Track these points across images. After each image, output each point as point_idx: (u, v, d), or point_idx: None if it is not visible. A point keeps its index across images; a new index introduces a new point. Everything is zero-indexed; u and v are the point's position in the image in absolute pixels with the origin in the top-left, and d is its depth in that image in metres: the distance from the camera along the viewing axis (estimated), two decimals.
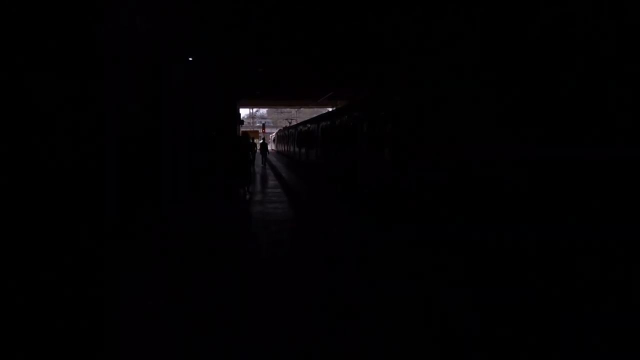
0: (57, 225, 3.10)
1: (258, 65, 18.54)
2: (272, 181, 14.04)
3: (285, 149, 31.07)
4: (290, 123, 41.78)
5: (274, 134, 61.99)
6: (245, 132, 12.25)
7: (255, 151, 23.87)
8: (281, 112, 67.39)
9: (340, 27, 12.23)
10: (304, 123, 21.53)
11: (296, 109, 52.14)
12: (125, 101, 6.52)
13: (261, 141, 24.56)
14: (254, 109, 68.66)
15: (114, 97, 6.09)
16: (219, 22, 11.64)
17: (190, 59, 15.76)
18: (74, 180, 3.52)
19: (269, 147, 62.51)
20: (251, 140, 12.68)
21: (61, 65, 4.31)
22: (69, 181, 3.48)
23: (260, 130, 60.69)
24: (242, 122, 41.12)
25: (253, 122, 71.90)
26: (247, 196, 10.41)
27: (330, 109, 34.71)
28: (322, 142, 14.86)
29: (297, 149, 23.25)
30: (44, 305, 2.88)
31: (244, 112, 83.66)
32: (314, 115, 21.14)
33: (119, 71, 6.24)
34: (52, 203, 3.21)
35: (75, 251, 3.13)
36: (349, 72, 19.88)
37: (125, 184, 5.93)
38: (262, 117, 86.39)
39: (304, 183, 13.63)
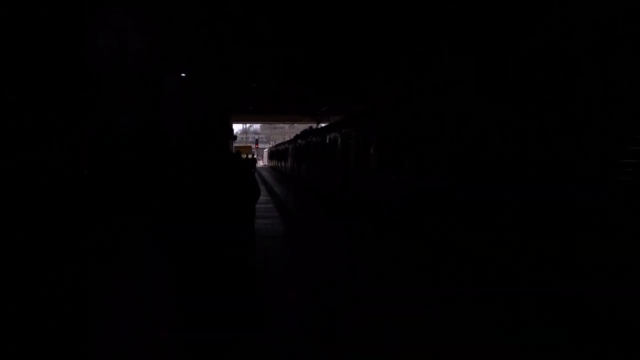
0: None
1: (252, 80, 18.73)
2: (263, 196, 14.14)
3: (277, 164, 31.91)
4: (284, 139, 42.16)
5: (266, 150, 62.12)
6: (237, 149, 12.56)
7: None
8: (275, 128, 67.78)
9: (334, 45, 12.47)
10: (290, 141, 23.67)
11: (289, 125, 52.41)
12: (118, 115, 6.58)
13: (250, 156, 25.62)
14: (248, 125, 68.98)
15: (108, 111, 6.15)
16: (212, 36, 11.80)
17: (183, 74, 15.90)
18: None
19: (261, 163, 62.88)
20: (244, 156, 13.11)
21: (55, 81, 4.38)
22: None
23: (254, 146, 60.87)
24: (235, 137, 41.23)
25: (246, 138, 72.11)
26: None
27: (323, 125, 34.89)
28: (304, 156, 16.94)
29: (285, 164, 24.09)
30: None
31: (237, 127, 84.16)
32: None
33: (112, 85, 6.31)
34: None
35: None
36: (342, 88, 20.12)
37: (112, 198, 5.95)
38: (255, 133, 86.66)
39: (288, 189, 13.71)
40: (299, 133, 20.65)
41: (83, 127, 5.30)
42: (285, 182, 21.67)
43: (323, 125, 35.20)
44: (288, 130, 58.00)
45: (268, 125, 72.17)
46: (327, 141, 12.51)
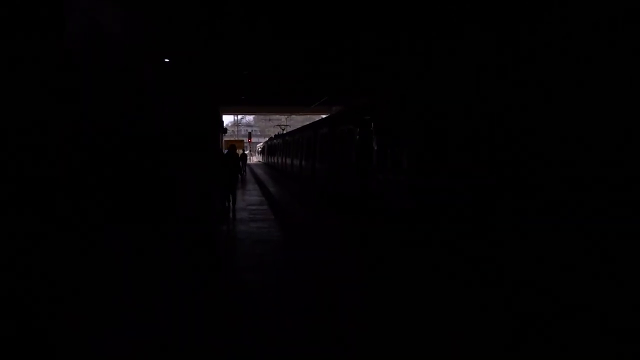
0: None
1: (243, 66, 19.04)
2: (254, 192, 14.51)
3: (274, 160, 31.20)
4: (283, 130, 41.79)
5: (261, 144, 62.49)
6: (232, 144, 11.96)
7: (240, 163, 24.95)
8: (269, 120, 68.15)
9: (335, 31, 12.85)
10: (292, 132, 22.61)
11: (286, 116, 52.90)
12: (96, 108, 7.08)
13: (241, 152, 25.95)
14: (239, 116, 69.41)
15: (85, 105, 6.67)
16: (199, 18, 12.20)
17: (167, 60, 16.31)
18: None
19: (254, 159, 63.45)
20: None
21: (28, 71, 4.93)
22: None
23: (246, 140, 61.28)
24: (225, 130, 41.76)
25: (237, 131, 72.62)
26: (230, 214, 10.67)
27: (323, 116, 35.43)
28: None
29: (285, 161, 23.53)
30: None
31: (227, 119, 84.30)
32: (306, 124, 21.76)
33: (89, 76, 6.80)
34: None
35: None
36: (345, 75, 20.40)
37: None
38: (248, 125, 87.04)
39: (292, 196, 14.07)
40: (278, 132, 20.23)
41: (68, 119, 5.81)
42: (282, 181, 21.96)
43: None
44: (285, 123, 58.41)
45: (262, 116, 72.63)
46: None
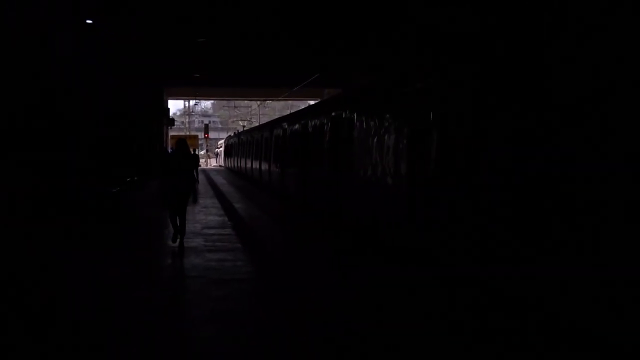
0: None
1: (198, 31, 18.56)
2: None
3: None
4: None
5: (223, 141, 61.50)
6: (181, 138, 11.33)
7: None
8: (235, 107, 67.56)
9: None
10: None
11: (259, 102, 52.27)
12: None
13: (192, 151, 26.09)
14: (192, 102, 68.42)
15: None
16: None
17: (90, 21, 15.56)
18: None
19: (214, 162, 62.63)
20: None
21: None
22: None
23: (202, 135, 60.52)
24: (172, 121, 40.81)
25: (189, 122, 71.74)
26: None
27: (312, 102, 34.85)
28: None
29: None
30: None
31: (175, 105, 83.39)
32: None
33: None
34: None
35: None
36: (341, 44, 20.02)
37: None
38: (204, 114, 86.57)
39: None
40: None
41: None
42: (252, 194, 21.42)
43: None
44: (257, 111, 57.83)
45: (225, 102, 72.02)
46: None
